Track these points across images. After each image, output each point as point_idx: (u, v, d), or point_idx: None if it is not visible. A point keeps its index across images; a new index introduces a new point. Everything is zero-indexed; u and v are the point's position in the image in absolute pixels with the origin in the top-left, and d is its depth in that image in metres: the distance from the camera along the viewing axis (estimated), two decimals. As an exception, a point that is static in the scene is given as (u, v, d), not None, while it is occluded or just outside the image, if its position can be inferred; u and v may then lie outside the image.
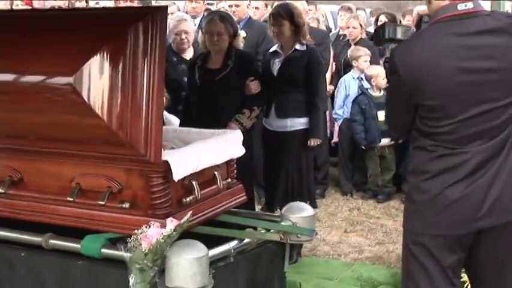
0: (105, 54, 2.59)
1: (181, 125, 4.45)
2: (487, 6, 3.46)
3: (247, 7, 6.43)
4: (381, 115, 5.95)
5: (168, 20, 5.85)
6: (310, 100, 4.58)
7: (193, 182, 2.83)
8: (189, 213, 2.67)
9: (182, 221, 2.57)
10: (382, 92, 6.17)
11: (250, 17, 6.26)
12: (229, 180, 3.12)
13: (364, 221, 5.67)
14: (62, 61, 2.66)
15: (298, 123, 4.58)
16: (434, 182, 2.43)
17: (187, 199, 2.81)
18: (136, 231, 2.52)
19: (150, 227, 2.52)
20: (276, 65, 4.63)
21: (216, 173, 3.00)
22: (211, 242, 2.69)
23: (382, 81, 6.11)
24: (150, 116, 2.57)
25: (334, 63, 6.99)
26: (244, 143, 3.22)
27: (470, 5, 2.38)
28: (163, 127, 2.90)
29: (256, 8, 6.75)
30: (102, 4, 7.85)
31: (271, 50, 4.76)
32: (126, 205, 2.74)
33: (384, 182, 6.30)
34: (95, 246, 2.68)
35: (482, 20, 2.38)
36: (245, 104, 4.43)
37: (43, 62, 2.72)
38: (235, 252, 2.81)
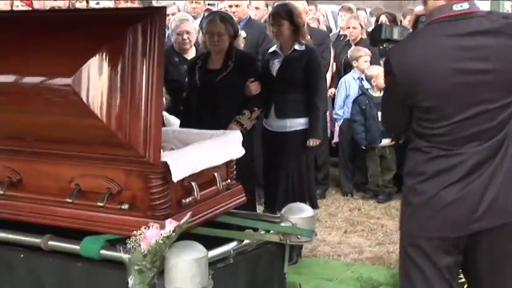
0: (104, 55, 2.58)
1: (181, 125, 4.45)
2: (486, 6, 3.46)
3: (247, 7, 6.43)
4: (382, 115, 5.94)
5: (170, 21, 5.88)
6: (309, 100, 4.57)
7: (193, 183, 2.83)
8: (188, 214, 2.66)
9: (181, 222, 2.57)
10: (382, 92, 6.15)
11: (250, 17, 6.26)
12: (229, 181, 3.11)
13: (364, 222, 5.66)
14: (61, 62, 2.66)
15: (298, 123, 4.58)
16: (429, 183, 2.42)
17: (187, 200, 2.80)
18: (135, 232, 2.51)
19: (149, 228, 2.52)
20: (275, 65, 4.63)
21: (215, 174, 2.99)
22: (210, 243, 2.69)
23: (383, 81, 6.08)
24: (149, 116, 2.57)
25: (334, 64, 6.99)
26: (244, 144, 3.21)
27: (465, 5, 2.36)
28: (163, 128, 2.90)
29: (256, 8, 6.75)
30: (102, 4, 7.84)
31: (271, 50, 4.76)
32: (125, 206, 2.73)
33: (384, 182, 6.30)
34: (94, 247, 2.67)
35: (478, 21, 2.36)
36: (245, 105, 4.43)
37: (42, 62, 2.71)
38: (235, 253, 2.80)
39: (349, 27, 6.91)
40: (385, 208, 6.02)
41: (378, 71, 6.14)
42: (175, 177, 2.70)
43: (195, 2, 6.90)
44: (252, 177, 4.68)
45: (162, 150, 2.69)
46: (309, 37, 5.22)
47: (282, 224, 3.00)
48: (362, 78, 6.41)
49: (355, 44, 6.73)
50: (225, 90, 4.41)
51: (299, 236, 2.99)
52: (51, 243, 2.78)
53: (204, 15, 6.28)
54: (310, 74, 4.57)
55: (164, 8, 2.72)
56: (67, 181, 2.85)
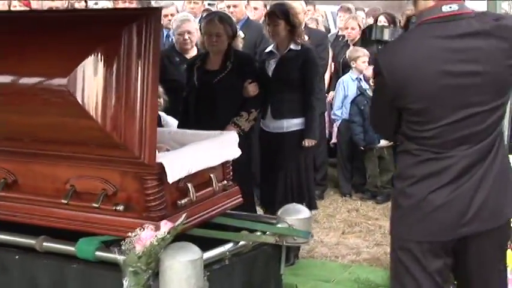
0: (99, 56, 2.57)
1: (179, 126, 4.44)
2: (483, 6, 3.45)
3: (245, 8, 6.41)
4: (380, 116, 5.93)
5: (172, 21, 5.88)
6: (305, 100, 4.56)
7: (188, 184, 2.82)
8: (184, 215, 2.65)
9: (176, 223, 2.56)
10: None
11: (248, 18, 6.24)
12: (225, 182, 3.10)
13: (362, 223, 5.65)
14: (56, 63, 2.65)
15: (295, 124, 4.56)
16: (419, 186, 2.40)
17: (182, 201, 2.80)
18: (130, 234, 2.50)
19: (144, 229, 2.51)
20: (271, 65, 4.62)
21: (211, 175, 2.98)
22: (206, 244, 2.69)
23: (380, 82, 6.08)
24: (144, 117, 2.56)
25: (333, 64, 6.98)
26: (242, 146, 3.20)
27: (455, 7, 2.33)
28: (158, 129, 2.89)
29: (255, 8, 6.72)
30: (101, 5, 7.82)
31: (267, 50, 4.75)
32: (121, 207, 2.72)
33: (382, 183, 6.28)
34: (89, 248, 2.66)
35: (468, 23, 2.33)
36: (243, 107, 4.42)
37: (37, 63, 2.70)
38: (231, 254, 2.79)
39: (347, 28, 6.89)
40: (383, 209, 6.00)
41: (376, 72, 6.12)
42: (171, 178, 2.69)
43: (194, 2, 6.89)
44: (251, 178, 4.67)
45: (157, 151, 2.68)
46: (306, 37, 5.22)
47: (279, 225, 3.00)
48: (360, 79, 6.40)
49: (354, 45, 6.72)
50: (223, 91, 4.40)
51: (296, 237, 2.98)
52: (46, 244, 2.77)
53: (202, 15, 6.27)
54: (306, 73, 4.55)
55: (160, 9, 2.71)
56: (62, 182, 2.84)
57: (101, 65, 2.57)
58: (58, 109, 2.68)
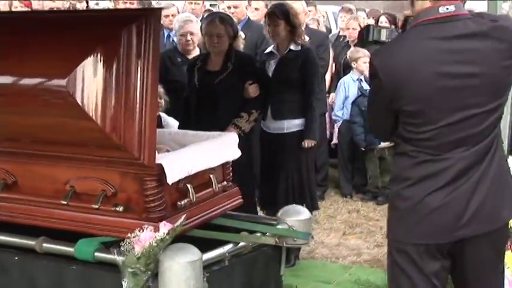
0: (98, 57, 2.57)
1: (180, 126, 4.44)
2: (483, 7, 3.43)
3: (246, 8, 6.41)
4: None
5: (174, 21, 5.87)
6: (305, 101, 4.55)
7: (188, 185, 2.81)
8: (183, 216, 2.65)
9: (175, 224, 2.56)
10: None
11: (249, 18, 6.24)
12: (225, 183, 3.09)
13: (363, 223, 5.64)
14: (55, 63, 2.65)
15: (295, 124, 4.56)
16: (415, 189, 2.38)
17: (182, 202, 2.79)
18: (129, 235, 2.50)
19: (143, 230, 2.50)
20: (271, 66, 4.62)
21: (211, 175, 2.98)
22: (206, 245, 2.68)
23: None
24: (143, 118, 2.55)
25: (334, 65, 6.97)
26: (243, 147, 3.19)
27: (452, 8, 2.32)
28: (159, 130, 2.88)
29: (256, 8, 6.72)
30: (102, 5, 7.82)
31: (267, 50, 4.75)
32: (120, 208, 2.72)
33: (383, 183, 6.27)
34: (89, 250, 2.66)
35: (464, 24, 2.32)
36: (243, 108, 4.41)
37: (36, 64, 2.70)
38: (230, 255, 2.79)
39: (348, 28, 6.90)
40: (384, 210, 5.97)
41: (377, 72, 6.11)
42: (170, 179, 2.68)
43: (194, 3, 6.89)
44: (252, 179, 4.67)
45: (157, 152, 2.67)
46: (307, 38, 5.21)
47: (279, 227, 2.99)
48: (361, 80, 6.39)
49: (355, 45, 6.71)
50: (224, 92, 4.39)
51: (295, 239, 2.97)
52: (45, 245, 2.77)
53: (203, 16, 6.26)
54: (306, 74, 4.54)
55: (159, 9, 2.71)
56: (62, 183, 2.84)
57: (100, 65, 2.57)
58: (58, 110, 2.68)
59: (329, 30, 8.05)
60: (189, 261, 2.46)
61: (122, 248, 2.49)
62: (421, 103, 2.32)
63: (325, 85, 6.49)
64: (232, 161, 3.13)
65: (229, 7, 6.27)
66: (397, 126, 2.43)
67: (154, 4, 7.48)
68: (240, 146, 3.17)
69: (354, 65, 6.46)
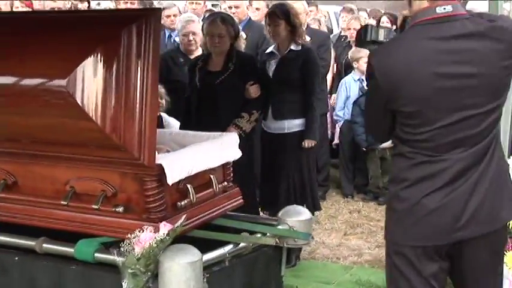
0: (98, 57, 2.57)
1: (181, 127, 4.44)
2: (484, 6, 3.42)
3: (247, 8, 6.40)
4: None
5: (176, 21, 5.86)
6: (306, 100, 4.54)
7: (188, 186, 2.81)
8: (183, 217, 2.64)
9: (175, 225, 2.55)
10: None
11: (250, 18, 6.23)
12: (225, 183, 3.09)
13: (364, 224, 5.63)
14: (55, 63, 2.64)
15: (296, 124, 4.55)
16: (413, 190, 2.36)
17: (182, 203, 2.79)
18: (129, 235, 2.50)
19: (143, 231, 2.50)
20: (272, 66, 4.61)
21: (211, 176, 2.97)
22: (207, 246, 2.67)
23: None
24: (143, 119, 2.55)
25: (335, 65, 6.96)
26: (245, 148, 3.19)
27: (449, 8, 2.30)
28: (159, 130, 2.88)
29: (257, 8, 6.71)
30: (103, 5, 7.82)
31: (267, 50, 4.74)
32: (120, 209, 2.72)
33: (384, 184, 6.25)
34: (89, 250, 2.66)
35: (462, 24, 2.30)
36: (244, 108, 4.40)
37: (36, 64, 2.70)
38: (231, 256, 2.78)
39: (349, 28, 6.89)
40: (385, 210, 5.96)
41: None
42: (171, 179, 2.68)
43: (195, 3, 6.89)
44: (253, 180, 4.66)
45: (157, 153, 2.67)
46: (308, 38, 5.20)
47: (279, 227, 2.99)
48: (362, 80, 6.37)
49: (356, 45, 6.70)
50: (225, 93, 4.39)
51: (296, 239, 2.97)
52: (45, 246, 2.77)
53: (204, 16, 6.26)
54: (307, 74, 4.53)
55: (160, 9, 2.71)
56: (62, 183, 2.84)
57: (100, 66, 2.57)
58: (58, 110, 2.68)
59: (330, 30, 8.05)
60: (189, 262, 2.45)
61: (122, 249, 2.48)
62: (419, 104, 2.30)
63: (327, 85, 6.48)
64: (233, 161, 3.12)
65: (230, 7, 6.26)
66: (395, 127, 2.42)
67: (156, 4, 7.48)
68: (240, 146, 3.16)
69: (355, 65, 6.46)
